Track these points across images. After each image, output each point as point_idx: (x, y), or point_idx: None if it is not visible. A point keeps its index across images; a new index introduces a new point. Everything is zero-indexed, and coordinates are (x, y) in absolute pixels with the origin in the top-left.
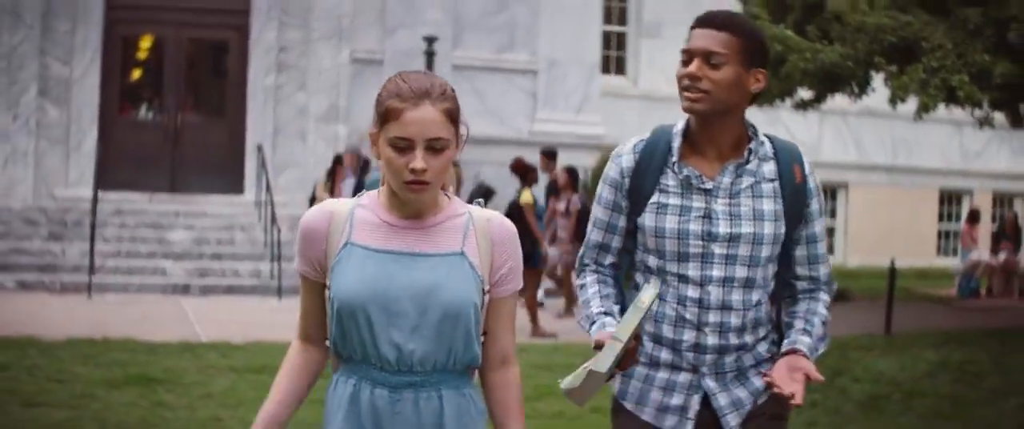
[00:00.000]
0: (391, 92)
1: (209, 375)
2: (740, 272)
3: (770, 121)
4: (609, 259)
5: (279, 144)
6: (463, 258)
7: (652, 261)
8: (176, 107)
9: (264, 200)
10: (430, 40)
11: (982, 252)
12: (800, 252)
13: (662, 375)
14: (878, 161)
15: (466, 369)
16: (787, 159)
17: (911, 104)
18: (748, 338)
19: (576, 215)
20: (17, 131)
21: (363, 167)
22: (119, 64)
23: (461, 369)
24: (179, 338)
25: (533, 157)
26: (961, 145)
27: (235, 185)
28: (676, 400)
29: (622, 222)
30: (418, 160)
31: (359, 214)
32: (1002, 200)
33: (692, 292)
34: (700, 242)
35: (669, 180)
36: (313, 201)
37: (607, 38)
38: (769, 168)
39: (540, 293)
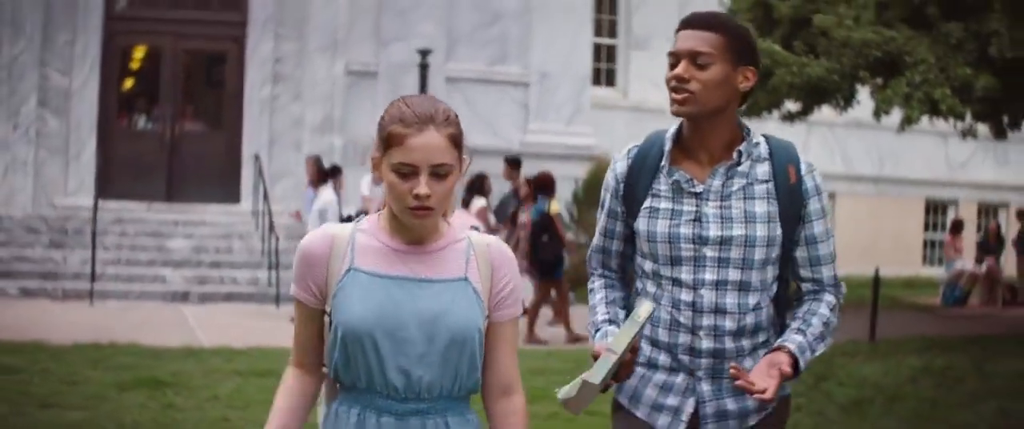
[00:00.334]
0: (394, 117)
1: (214, 378)
2: (733, 275)
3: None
4: (614, 263)
5: (275, 154)
6: (467, 284)
7: (648, 265)
8: (174, 117)
9: (261, 209)
10: (424, 53)
11: (966, 261)
12: (800, 254)
13: (660, 376)
14: (864, 172)
15: (467, 395)
16: (782, 159)
17: (895, 116)
18: (746, 342)
19: (529, 227)
20: (17, 141)
21: (325, 175)
22: (118, 75)
23: (463, 395)
24: (181, 343)
25: (529, 168)
26: (946, 156)
27: (232, 194)
28: (671, 400)
29: (620, 227)
30: (422, 186)
31: (360, 239)
32: (987, 210)
33: (685, 296)
34: (691, 245)
35: (661, 184)
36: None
37: (598, 50)
38: (763, 169)
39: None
